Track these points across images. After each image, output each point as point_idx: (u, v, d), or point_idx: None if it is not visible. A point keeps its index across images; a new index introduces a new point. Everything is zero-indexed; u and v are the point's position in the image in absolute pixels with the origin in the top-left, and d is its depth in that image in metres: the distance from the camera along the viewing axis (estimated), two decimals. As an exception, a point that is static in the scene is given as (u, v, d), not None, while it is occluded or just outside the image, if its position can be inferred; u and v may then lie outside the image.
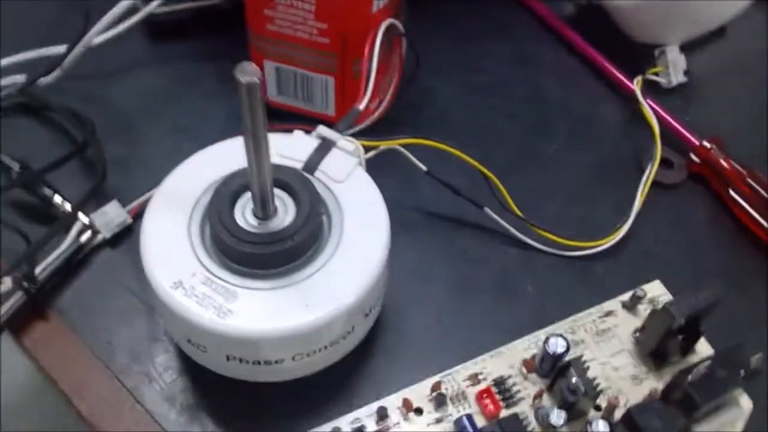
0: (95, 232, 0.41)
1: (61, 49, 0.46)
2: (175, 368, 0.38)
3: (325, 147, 0.37)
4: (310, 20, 0.41)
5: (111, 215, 0.41)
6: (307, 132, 0.38)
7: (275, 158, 0.36)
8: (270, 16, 0.41)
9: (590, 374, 0.37)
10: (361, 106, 0.40)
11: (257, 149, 0.29)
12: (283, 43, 0.43)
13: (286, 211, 0.33)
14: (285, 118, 0.46)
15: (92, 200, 0.42)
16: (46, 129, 0.47)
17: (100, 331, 0.39)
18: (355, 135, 0.41)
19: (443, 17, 0.55)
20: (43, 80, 0.45)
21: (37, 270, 0.39)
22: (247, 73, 0.27)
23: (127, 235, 0.42)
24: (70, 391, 0.37)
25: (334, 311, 0.32)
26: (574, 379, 0.35)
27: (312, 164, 0.36)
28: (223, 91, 0.49)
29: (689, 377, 0.35)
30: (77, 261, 0.41)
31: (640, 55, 0.51)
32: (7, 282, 0.38)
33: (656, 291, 0.41)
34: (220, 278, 0.32)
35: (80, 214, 0.41)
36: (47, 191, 0.41)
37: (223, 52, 0.50)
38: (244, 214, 0.33)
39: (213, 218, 0.33)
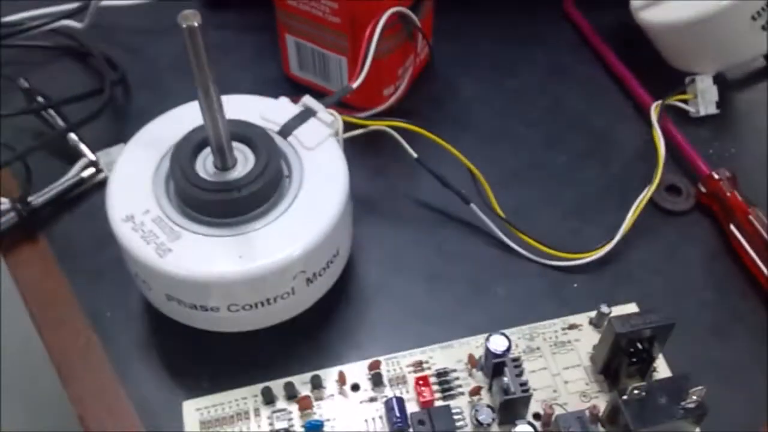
0: (98, 170, 0.43)
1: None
2: (137, 308, 0.40)
3: (305, 115, 0.38)
4: (322, -4, 0.42)
5: (114, 156, 0.43)
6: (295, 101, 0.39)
7: (257, 120, 0.37)
8: (288, -10, 0.43)
9: (539, 384, 0.37)
10: (354, 85, 0.40)
11: (206, 96, 0.31)
12: (301, 19, 0.44)
13: (245, 166, 0.35)
14: (302, 92, 0.48)
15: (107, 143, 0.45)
16: (85, 73, 0.50)
17: (79, 261, 0.42)
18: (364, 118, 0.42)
19: (487, 17, 0.55)
20: (81, 25, 0.48)
21: (34, 196, 0.41)
22: (187, 19, 0.28)
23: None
24: (36, 310, 0.40)
25: (266, 266, 0.33)
26: (505, 379, 0.35)
27: (288, 129, 0.37)
28: (255, 60, 0.52)
29: (623, 397, 0.34)
30: (77, 195, 0.43)
31: (679, 82, 0.49)
32: (6, 203, 0.41)
33: (626, 312, 0.40)
34: (170, 219, 0.34)
35: (86, 150, 0.43)
36: (62, 124, 0.44)
37: (265, 24, 0.52)
38: (206, 164, 0.35)
39: (173, 161, 0.34)
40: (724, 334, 0.40)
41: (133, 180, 0.35)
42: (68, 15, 0.47)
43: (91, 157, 0.43)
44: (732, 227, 0.42)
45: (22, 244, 0.42)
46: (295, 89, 0.49)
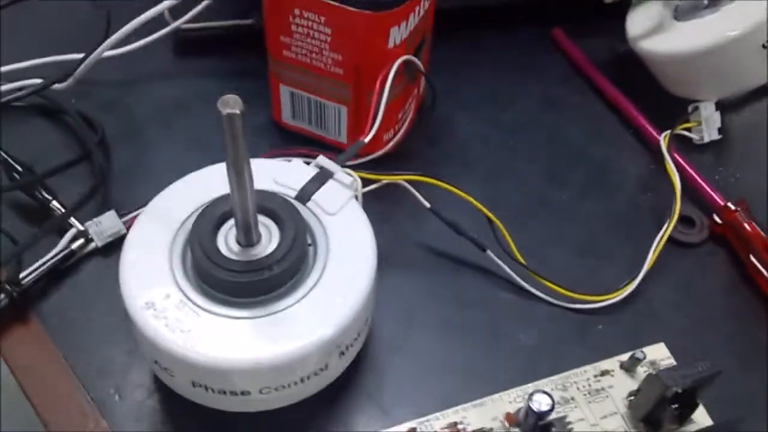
0: (88, 240, 0.40)
1: (79, 56, 0.46)
2: (147, 387, 0.37)
3: (322, 177, 0.36)
4: (325, 50, 0.40)
5: (105, 225, 0.40)
6: (308, 161, 0.37)
7: (270, 185, 0.35)
8: (287, 43, 0.41)
9: (577, 436, 0.36)
10: (366, 139, 0.39)
11: (239, 180, 0.29)
12: (299, 70, 0.42)
13: (270, 240, 0.33)
14: (297, 142, 0.46)
15: (92, 207, 0.42)
16: (60, 132, 0.47)
17: (77, 340, 0.39)
18: (366, 165, 0.40)
19: (478, 51, 0.54)
20: (60, 85, 0.45)
21: (25, 273, 0.38)
22: (228, 105, 0.26)
23: (121, 246, 0.42)
24: (36, 398, 0.37)
25: (305, 347, 0.31)
26: (555, 440, 0.34)
27: (306, 194, 0.35)
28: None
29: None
30: (66, 267, 0.40)
31: (675, 109, 0.49)
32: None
33: (659, 354, 0.39)
34: (193, 302, 0.32)
35: (74, 221, 0.40)
36: (46, 195, 0.41)
37: (247, 71, 0.50)
38: (227, 240, 0.33)
39: (193, 241, 0.32)
40: (750, 364, 0.40)
41: (147, 262, 0.33)
42: (57, 80, 0.43)
43: (80, 227, 0.41)
44: (752, 257, 0.42)
45: (14, 326, 0.39)
46: (286, 137, 0.47)
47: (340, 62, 0.40)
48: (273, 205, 0.33)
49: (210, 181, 0.35)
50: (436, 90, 0.46)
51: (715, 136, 0.48)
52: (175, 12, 0.48)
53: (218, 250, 0.32)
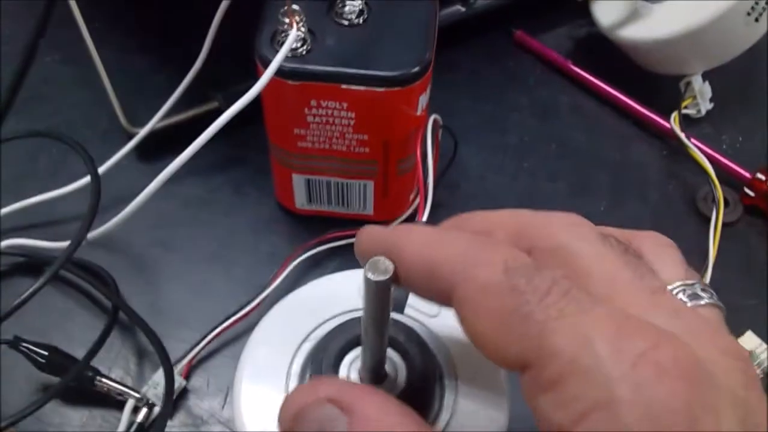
0: (151, 406, 0.36)
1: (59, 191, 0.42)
2: None
3: (404, 278, 0.33)
4: (348, 133, 0.37)
5: (161, 382, 0.36)
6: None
7: (359, 300, 0.32)
8: (301, 134, 0.38)
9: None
10: (424, 218, 0.36)
11: (378, 336, 0.26)
12: (316, 157, 0.39)
13: (396, 373, 0.30)
14: (314, 225, 0.42)
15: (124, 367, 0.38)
16: (55, 288, 0.41)
17: None
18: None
19: (452, 76, 0.51)
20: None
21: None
22: (378, 270, 0.23)
23: (183, 398, 0.38)
24: None
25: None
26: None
27: (400, 301, 0.32)
28: (239, 203, 0.45)
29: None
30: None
31: (657, 86, 0.48)
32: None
33: (751, 343, 0.39)
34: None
35: (128, 390, 0.36)
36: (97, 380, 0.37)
37: (229, 159, 0.46)
38: (350, 373, 0.30)
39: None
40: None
41: (265, 400, 0.29)
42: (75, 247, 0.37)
43: (137, 395, 0.36)
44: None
45: None
46: (300, 221, 0.43)
47: (366, 141, 0.38)
48: (393, 334, 0.30)
49: (316, 300, 0.32)
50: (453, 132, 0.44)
51: (709, 106, 0.48)
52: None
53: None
